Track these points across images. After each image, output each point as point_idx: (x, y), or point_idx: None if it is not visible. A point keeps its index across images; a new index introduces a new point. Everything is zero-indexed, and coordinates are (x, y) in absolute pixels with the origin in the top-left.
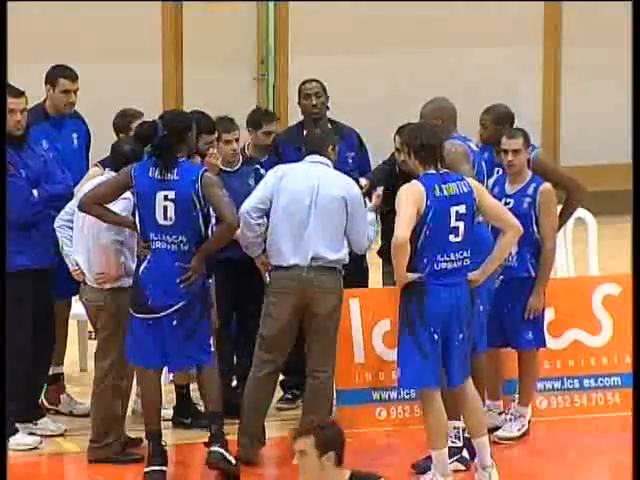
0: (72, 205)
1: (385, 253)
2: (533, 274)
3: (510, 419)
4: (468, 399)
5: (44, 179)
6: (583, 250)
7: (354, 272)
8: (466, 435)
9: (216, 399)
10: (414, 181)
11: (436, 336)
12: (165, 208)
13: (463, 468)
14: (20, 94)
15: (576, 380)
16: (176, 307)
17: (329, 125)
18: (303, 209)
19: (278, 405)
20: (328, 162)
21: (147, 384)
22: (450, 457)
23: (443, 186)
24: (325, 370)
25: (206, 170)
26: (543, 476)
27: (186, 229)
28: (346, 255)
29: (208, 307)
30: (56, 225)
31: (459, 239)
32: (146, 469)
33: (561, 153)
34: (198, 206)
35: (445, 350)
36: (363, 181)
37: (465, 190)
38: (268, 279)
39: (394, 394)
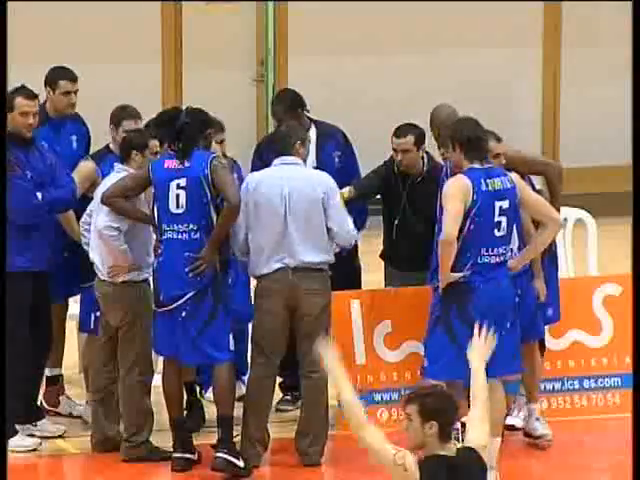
0: (92, 206)
1: (386, 255)
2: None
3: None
4: (496, 397)
5: (49, 182)
6: (583, 251)
7: (345, 272)
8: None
9: (226, 402)
10: (460, 175)
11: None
12: (177, 196)
13: None
14: (34, 97)
15: (576, 381)
16: (185, 298)
17: (312, 126)
18: (279, 220)
19: (278, 407)
20: (297, 160)
21: (164, 373)
22: None
23: (488, 181)
24: (318, 370)
25: (216, 156)
26: (543, 477)
27: (196, 216)
28: (332, 255)
29: (223, 302)
30: (81, 229)
31: (502, 233)
32: (173, 455)
33: (561, 154)
34: (208, 192)
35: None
36: (348, 189)
37: (509, 185)
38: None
39: (395, 395)
